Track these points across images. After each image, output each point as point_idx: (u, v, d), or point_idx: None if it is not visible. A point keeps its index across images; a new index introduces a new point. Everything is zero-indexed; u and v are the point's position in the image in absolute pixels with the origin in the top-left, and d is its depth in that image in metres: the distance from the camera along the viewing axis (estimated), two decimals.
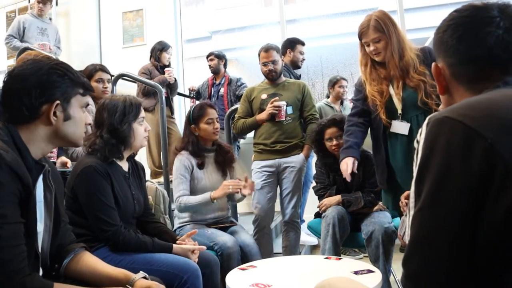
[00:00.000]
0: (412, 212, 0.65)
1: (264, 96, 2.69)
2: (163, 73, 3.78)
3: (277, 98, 2.60)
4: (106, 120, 1.61)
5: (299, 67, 3.36)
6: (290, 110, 2.63)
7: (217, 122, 2.26)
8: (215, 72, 3.98)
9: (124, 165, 1.71)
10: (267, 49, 2.69)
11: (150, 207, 1.92)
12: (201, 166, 2.21)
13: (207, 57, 3.99)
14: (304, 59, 3.39)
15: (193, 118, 2.24)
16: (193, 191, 2.15)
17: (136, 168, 1.79)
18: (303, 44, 3.37)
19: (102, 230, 1.52)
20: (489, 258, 0.57)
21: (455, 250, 0.58)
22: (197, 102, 4.10)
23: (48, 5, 4.20)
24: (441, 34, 0.79)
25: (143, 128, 1.69)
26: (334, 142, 2.41)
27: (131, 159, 1.77)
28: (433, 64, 0.80)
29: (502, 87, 0.71)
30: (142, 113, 1.70)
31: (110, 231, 1.52)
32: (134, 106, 1.66)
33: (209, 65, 3.97)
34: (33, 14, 4.14)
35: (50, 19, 4.32)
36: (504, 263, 0.56)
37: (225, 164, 2.29)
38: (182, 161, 2.17)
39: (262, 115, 2.63)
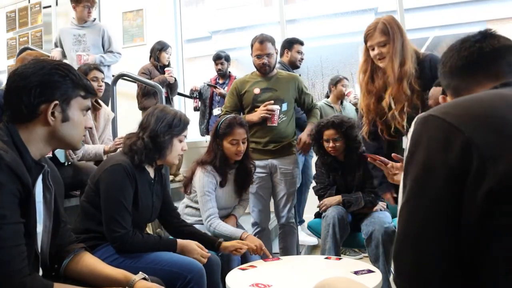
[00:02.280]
0: None
1: (257, 90, 2.51)
2: (163, 73, 3.78)
3: (271, 102, 2.45)
4: (152, 125, 1.64)
5: (297, 67, 3.33)
6: (285, 106, 2.51)
7: (243, 143, 2.11)
8: (223, 75, 3.97)
9: (152, 173, 1.72)
10: (262, 41, 2.48)
11: (175, 208, 1.94)
12: (222, 184, 2.15)
13: (215, 60, 3.94)
14: (302, 59, 3.35)
15: (219, 133, 2.13)
16: None
17: (161, 177, 1.81)
18: (301, 43, 3.33)
19: (111, 230, 1.51)
20: (470, 248, 0.59)
21: (441, 241, 0.60)
22: (200, 103, 4.13)
23: (86, 7, 3.55)
24: (439, 74, 0.93)
25: (181, 146, 1.71)
26: (331, 144, 2.41)
27: (158, 169, 1.78)
28: (440, 97, 0.92)
29: (499, 88, 0.76)
30: (186, 132, 1.73)
31: (119, 233, 1.51)
32: (182, 123, 1.69)
33: (219, 69, 3.93)
34: (72, 21, 3.68)
35: (95, 19, 3.73)
36: (483, 252, 0.58)
37: (243, 185, 2.24)
38: (210, 178, 2.09)
39: (253, 117, 2.44)
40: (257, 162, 2.43)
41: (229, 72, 4.01)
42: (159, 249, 1.59)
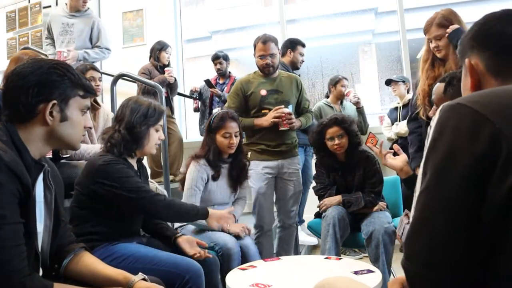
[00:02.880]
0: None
1: (263, 92, 2.46)
2: (163, 72, 3.78)
3: (282, 106, 2.40)
4: (127, 117, 1.66)
5: (297, 68, 3.32)
6: (290, 108, 2.50)
7: (236, 136, 2.14)
8: (223, 74, 3.98)
9: (135, 165, 1.74)
10: (265, 41, 2.45)
11: None
12: (216, 178, 2.17)
13: (214, 60, 3.96)
14: (303, 61, 3.35)
15: (212, 128, 2.16)
16: (203, 201, 2.14)
17: (143, 168, 1.84)
18: (303, 45, 3.33)
19: (140, 198, 1.56)
20: (490, 239, 0.58)
21: (458, 229, 0.59)
22: (200, 103, 4.13)
23: None
24: (473, 32, 0.82)
25: (157, 136, 1.73)
26: (336, 141, 2.41)
27: (139, 161, 1.80)
28: (466, 60, 0.81)
29: None
30: (162, 122, 1.74)
31: (146, 197, 1.57)
32: (157, 112, 1.70)
33: (218, 68, 3.95)
34: (64, 8, 3.36)
35: (88, 9, 3.39)
36: (503, 244, 0.57)
37: (237, 180, 2.24)
38: (200, 172, 2.11)
39: (264, 122, 2.41)
40: (266, 163, 2.45)
41: (229, 72, 4.02)
42: (191, 215, 1.74)
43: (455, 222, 0.59)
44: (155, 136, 1.72)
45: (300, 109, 2.65)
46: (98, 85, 2.54)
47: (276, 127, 2.42)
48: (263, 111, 2.47)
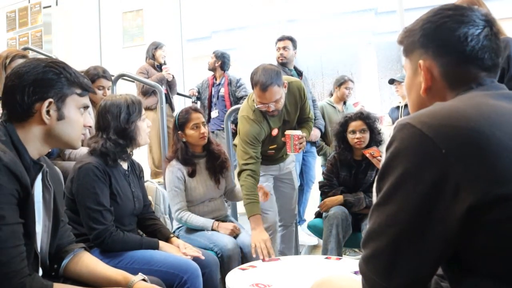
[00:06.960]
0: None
1: (275, 132, 2.20)
2: (161, 71, 3.80)
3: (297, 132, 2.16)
4: (112, 122, 1.62)
5: (282, 64, 3.11)
6: (299, 132, 2.25)
7: (204, 126, 2.12)
8: (210, 69, 3.99)
9: (124, 164, 1.72)
10: (265, 88, 1.94)
11: (149, 203, 1.92)
12: (192, 174, 2.13)
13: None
14: (283, 55, 3.10)
15: (179, 124, 2.14)
16: (189, 201, 2.13)
17: (134, 166, 1.81)
18: (280, 39, 3.14)
19: (91, 228, 1.51)
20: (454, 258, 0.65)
21: (397, 245, 0.64)
22: (199, 104, 4.12)
23: None
24: (427, 30, 0.78)
25: (145, 124, 1.71)
26: (357, 135, 2.39)
27: (129, 158, 1.78)
28: (421, 62, 0.77)
29: (474, 88, 0.73)
30: (143, 110, 1.72)
31: (98, 230, 1.50)
32: (136, 104, 1.67)
33: (208, 62, 3.99)
34: None
35: None
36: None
37: (216, 171, 2.19)
38: (174, 173, 2.09)
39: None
40: (268, 167, 2.39)
41: (224, 72, 3.96)
42: (141, 248, 1.60)
43: (398, 240, 0.64)
44: (144, 127, 1.70)
45: (300, 119, 2.37)
46: (105, 95, 2.44)
47: (281, 148, 2.29)
48: (271, 147, 2.28)
